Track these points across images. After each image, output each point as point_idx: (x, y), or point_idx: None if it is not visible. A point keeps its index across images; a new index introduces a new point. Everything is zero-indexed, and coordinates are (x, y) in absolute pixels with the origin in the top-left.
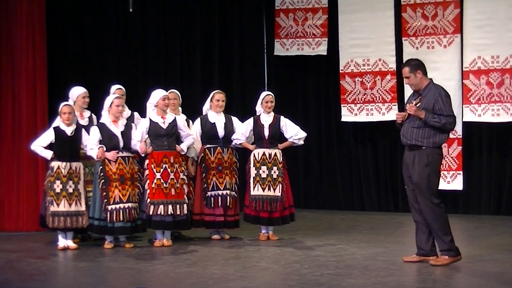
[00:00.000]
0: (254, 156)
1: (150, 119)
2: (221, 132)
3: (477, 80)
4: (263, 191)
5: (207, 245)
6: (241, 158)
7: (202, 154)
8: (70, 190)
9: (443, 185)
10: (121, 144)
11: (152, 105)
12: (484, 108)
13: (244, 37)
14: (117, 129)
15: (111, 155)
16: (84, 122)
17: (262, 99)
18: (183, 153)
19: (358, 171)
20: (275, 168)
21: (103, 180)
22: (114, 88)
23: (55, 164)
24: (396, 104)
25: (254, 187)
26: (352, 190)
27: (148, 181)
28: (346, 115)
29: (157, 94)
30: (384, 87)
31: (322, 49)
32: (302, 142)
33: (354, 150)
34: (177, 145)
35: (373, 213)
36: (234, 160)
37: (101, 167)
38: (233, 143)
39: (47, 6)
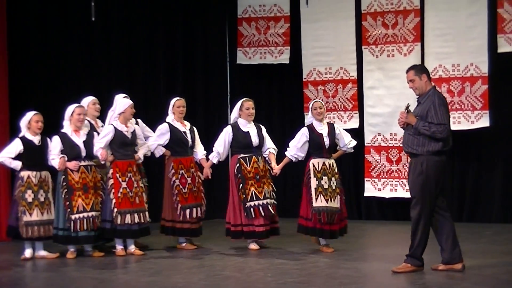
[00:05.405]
0: (314, 166)
1: (115, 128)
2: (255, 140)
3: (439, 88)
4: (327, 202)
5: (171, 254)
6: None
7: (238, 164)
8: (42, 199)
9: (401, 193)
10: (83, 154)
11: (116, 113)
12: None
13: (207, 45)
14: (78, 139)
15: (72, 165)
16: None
17: (311, 107)
18: (140, 161)
19: None
20: (333, 178)
21: (66, 190)
22: (87, 100)
23: (24, 173)
24: (357, 112)
25: (316, 199)
26: None
27: (113, 190)
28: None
29: (125, 103)
30: (345, 95)
31: (284, 58)
32: (352, 150)
33: None
34: (135, 154)
35: None
36: (267, 167)
37: (64, 176)
38: (290, 158)
39: (8, 15)
